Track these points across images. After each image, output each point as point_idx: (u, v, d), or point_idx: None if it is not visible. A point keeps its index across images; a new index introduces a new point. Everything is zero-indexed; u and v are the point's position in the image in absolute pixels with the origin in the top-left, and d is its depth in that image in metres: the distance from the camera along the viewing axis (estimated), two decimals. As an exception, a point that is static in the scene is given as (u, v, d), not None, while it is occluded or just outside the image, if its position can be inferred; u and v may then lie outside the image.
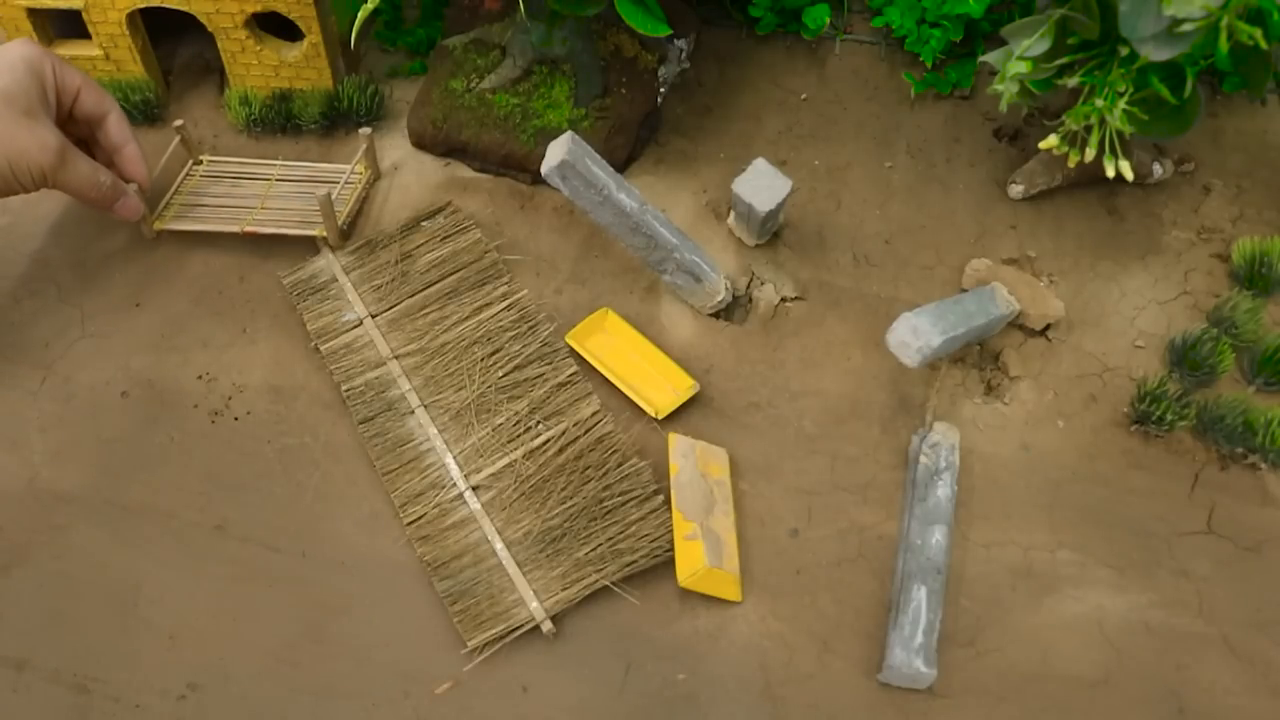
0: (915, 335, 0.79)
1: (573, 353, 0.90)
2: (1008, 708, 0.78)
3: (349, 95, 1.01)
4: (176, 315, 0.94)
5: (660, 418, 0.87)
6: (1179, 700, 0.78)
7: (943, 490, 0.82)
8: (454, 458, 0.85)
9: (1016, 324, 0.92)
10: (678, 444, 0.85)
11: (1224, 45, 0.64)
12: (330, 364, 0.90)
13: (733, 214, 0.95)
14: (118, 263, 0.97)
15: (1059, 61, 0.74)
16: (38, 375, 0.92)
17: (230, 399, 0.90)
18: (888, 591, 0.82)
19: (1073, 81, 0.75)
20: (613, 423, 0.86)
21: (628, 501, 0.82)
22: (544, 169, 0.83)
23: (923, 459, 0.83)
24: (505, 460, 0.84)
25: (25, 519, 0.86)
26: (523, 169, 0.99)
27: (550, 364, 0.88)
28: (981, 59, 0.80)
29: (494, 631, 0.79)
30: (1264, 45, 0.66)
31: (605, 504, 0.82)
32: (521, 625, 0.79)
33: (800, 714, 0.78)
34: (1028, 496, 0.86)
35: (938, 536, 0.80)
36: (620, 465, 0.84)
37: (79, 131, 0.92)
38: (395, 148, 1.03)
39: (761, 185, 0.87)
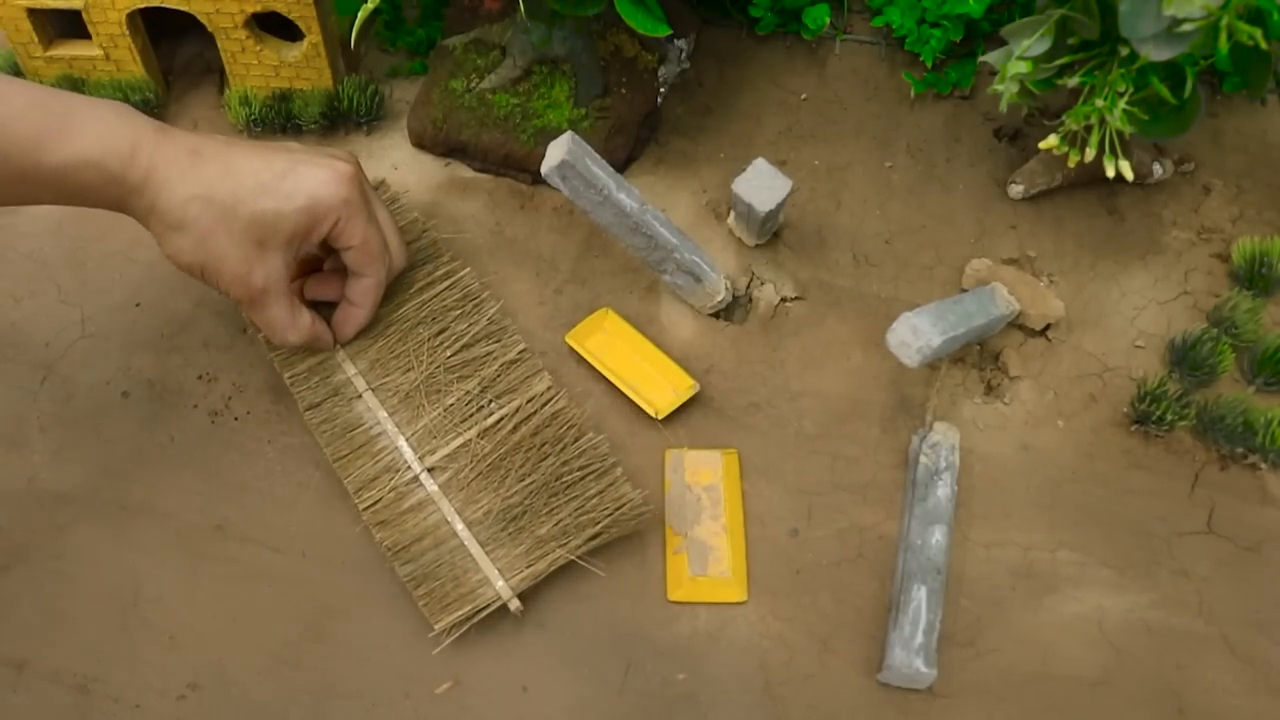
0: (915, 335, 0.79)
1: (572, 352, 0.91)
2: (1008, 708, 0.78)
3: (349, 95, 1.01)
4: (176, 315, 0.94)
5: (660, 418, 0.87)
6: (1179, 700, 0.78)
7: (943, 490, 0.82)
8: (406, 440, 0.84)
9: (1016, 324, 0.92)
10: (669, 460, 0.86)
11: (1224, 45, 0.64)
12: (270, 351, 0.88)
13: (733, 214, 0.95)
14: (118, 263, 0.97)
15: (1059, 61, 0.74)
16: (38, 375, 0.92)
17: (230, 399, 0.90)
18: (888, 591, 0.82)
19: (1073, 81, 0.75)
20: (566, 398, 0.85)
21: (586, 475, 0.82)
22: (544, 169, 0.83)
23: (923, 459, 0.83)
24: (459, 440, 0.83)
25: (25, 519, 0.86)
26: (523, 169, 0.99)
27: (498, 341, 0.87)
28: (981, 59, 0.80)
29: (461, 613, 0.78)
30: (1264, 45, 0.66)
31: (564, 479, 0.82)
32: (488, 605, 0.78)
33: (800, 714, 0.78)
34: (1028, 496, 0.86)
35: (938, 536, 0.80)
36: (577, 440, 0.83)
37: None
38: (395, 148, 1.03)
39: (761, 185, 0.87)
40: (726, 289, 0.91)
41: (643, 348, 0.91)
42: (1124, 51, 0.71)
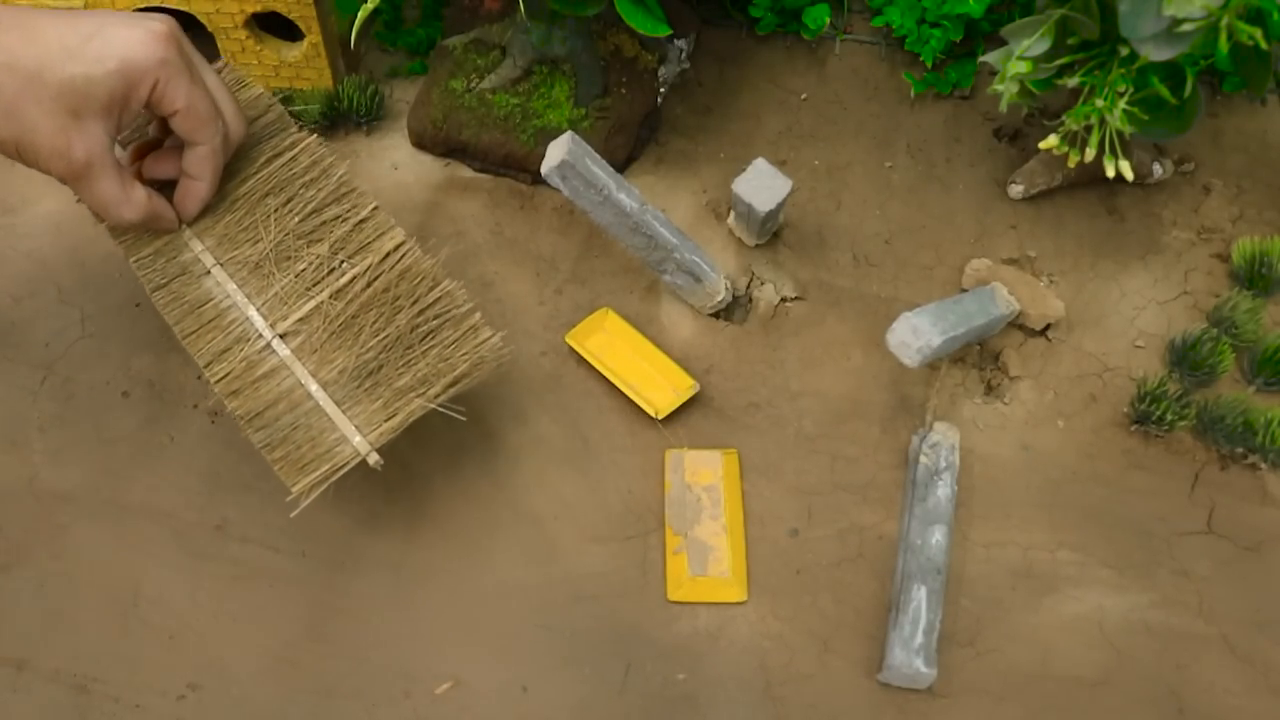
0: (915, 335, 0.79)
1: (572, 352, 0.91)
2: (1008, 708, 0.78)
3: (349, 95, 1.01)
4: (176, 315, 0.94)
5: (660, 417, 0.87)
6: (1179, 700, 0.78)
7: (943, 490, 0.82)
8: (257, 310, 0.81)
9: (1016, 324, 0.92)
10: (670, 460, 0.86)
11: (1224, 45, 0.64)
12: (115, 237, 0.85)
13: (733, 214, 0.95)
14: (117, 263, 0.97)
15: (1059, 61, 0.74)
16: (38, 375, 0.92)
17: (230, 399, 0.90)
18: (888, 591, 0.82)
19: (1073, 81, 0.75)
20: (419, 250, 0.83)
21: (444, 324, 0.80)
22: (544, 169, 0.83)
23: (923, 459, 0.83)
24: (311, 303, 0.81)
25: (25, 519, 0.86)
26: (523, 169, 0.99)
27: (349, 204, 0.85)
28: (981, 59, 0.80)
29: (318, 473, 0.76)
30: (1264, 45, 0.66)
31: (420, 329, 0.80)
32: (346, 462, 0.77)
33: (800, 714, 0.78)
34: (1028, 496, 0.86)
35: (938, 536, 0.80)
36: (431, 290, 0.81)
37: None
38: (395, 148, 1.03)
39: (761, 185, 0.87)
40: (726, 289, 0.91)
41: (643, 348, 0.91)
42: (1124, 51, 0.71)
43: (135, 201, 0.77)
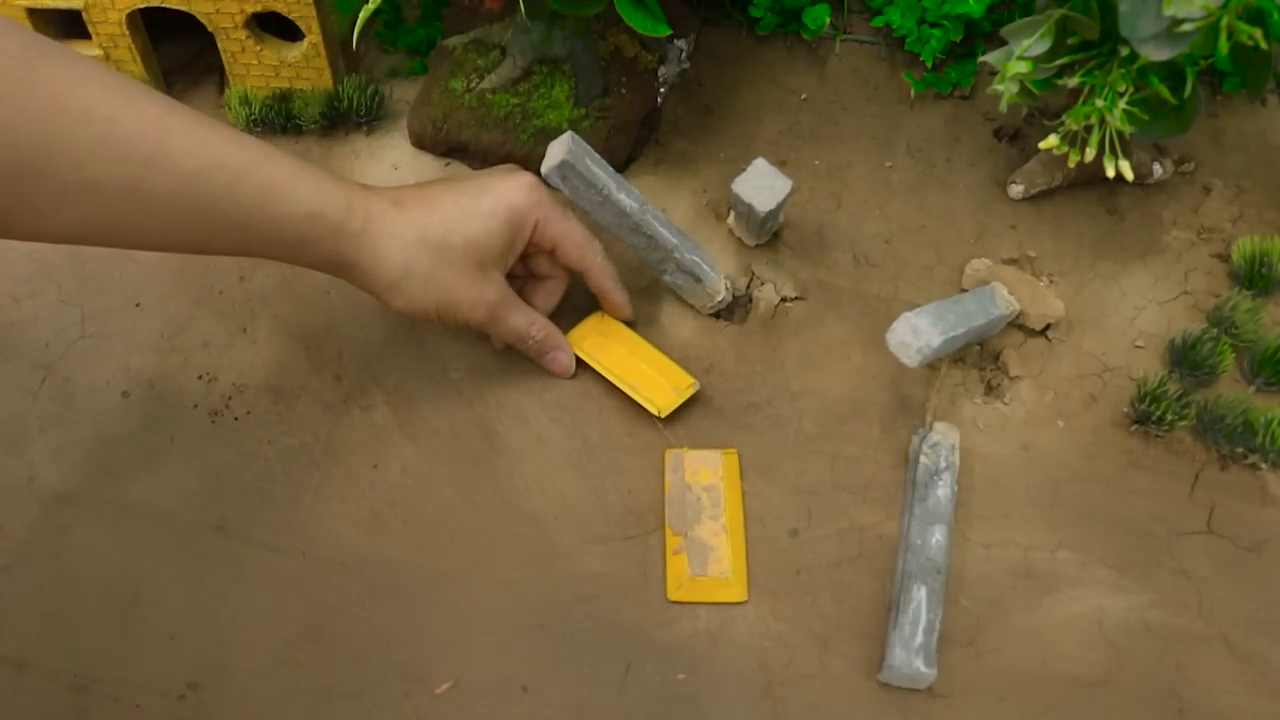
0: (915, 335, 0.79)
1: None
2: (1008, 708, 0.78)
3: (349, 95, 1.02)
4: (176, 315, 0.94)
5: (663, 416, 0.87)
6: (1179, 700, 0.78)
7: (943, 490, 0.82)
8: None
9: (1016, 324, 0.92)
10: (670, 460, 0.86)
11: (1224, 45, 0.64)
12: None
13: (733, 214, 0.95)
14: (118, 263, 0.97)
15: (1059, 61, 0.74)
16: (38, 375, 0.92)
17: (230, 399, 0.90)
18: (888, 591, 0.82)
19: (1073, 81, 0.75)
20: None
21: None
22: (544, 169, 0.83)
23: (923, 459, 0.83)
24: None
25: (25, 519, 0.86)
26: (523, 169, 0.99)
27: None
28: (981, 59, 0.80)
29: None
30: (1264, 45, 0.66)
31: None
32: None
33: (800, 714, 0.78)
34: (1028, 496, 0.86)
35: (938, 536, 0.80)
36: None
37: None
38: (395, 148, 1.03)
39: (761, 185, 0.87)
40: (726, 289, 0.91)
41: (641, 348, 0.91)
42: (1124, 51, 0.72)
43: (540, 321, 0.86)
